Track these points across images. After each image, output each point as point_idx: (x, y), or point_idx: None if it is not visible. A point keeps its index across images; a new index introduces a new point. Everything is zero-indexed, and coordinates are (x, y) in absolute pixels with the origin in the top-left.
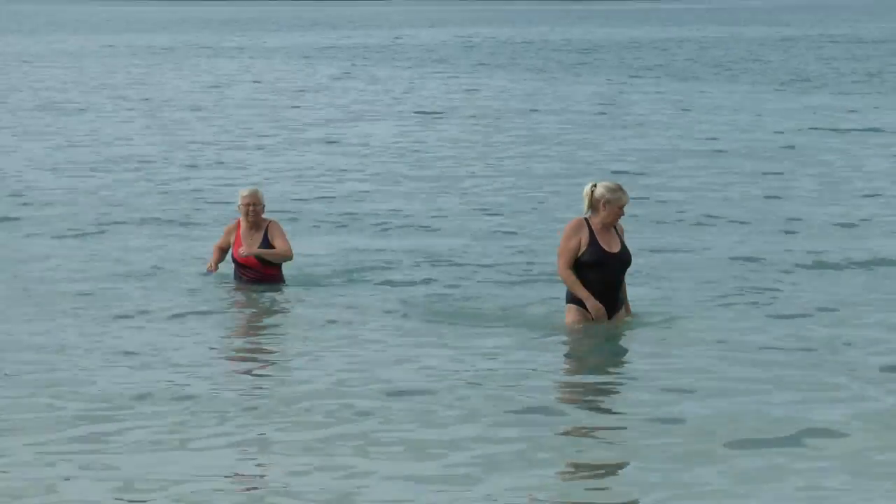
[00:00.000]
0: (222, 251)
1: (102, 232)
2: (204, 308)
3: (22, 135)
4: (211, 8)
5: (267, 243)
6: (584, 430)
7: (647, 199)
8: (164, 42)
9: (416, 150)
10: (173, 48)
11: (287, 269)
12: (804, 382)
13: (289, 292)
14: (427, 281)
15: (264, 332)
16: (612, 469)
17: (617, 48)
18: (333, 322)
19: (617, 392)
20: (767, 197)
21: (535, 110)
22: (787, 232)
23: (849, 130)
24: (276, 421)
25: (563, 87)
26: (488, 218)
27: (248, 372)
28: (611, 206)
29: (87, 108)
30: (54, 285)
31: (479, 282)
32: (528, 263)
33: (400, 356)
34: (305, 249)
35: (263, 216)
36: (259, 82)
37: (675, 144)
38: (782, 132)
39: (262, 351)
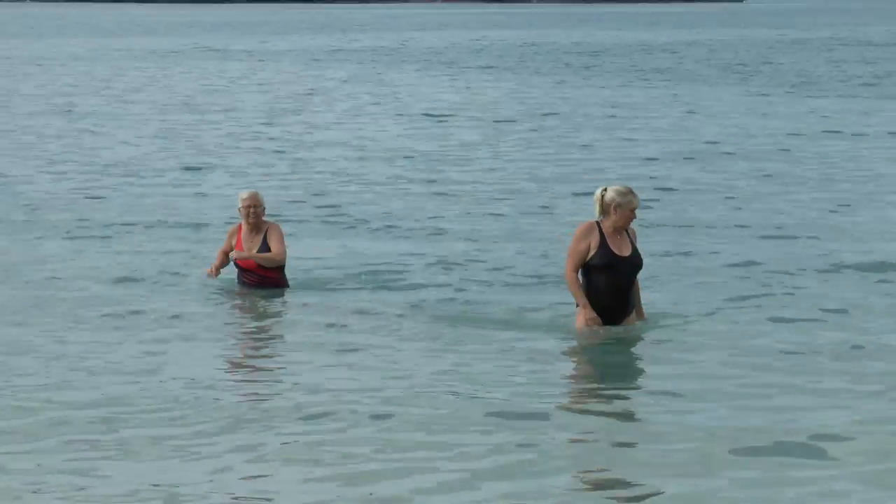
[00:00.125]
0: (226, 255)
1: (107, 236)
2: (206, 313)
3: (29, 138)
4: (219, 12)
5: (266, 246)
6: (592, 437)
7: (658, 201)
8: (171, 45)
9: (423, 153)
10: (181, 51)
11: (292, 272)
12: (814, 388)
13: (292, 296)
14: (434, 285)
15: (267, 337)
16: (620, 476)
17: (626, 51)
18: (338, 327)
19: (625, 398)
20: (776, 201)
21: (544, 113)
22: (795, 236)
23: (858, 134)
24: (278, 426)
25: (572, 90)
26: (496, 221)
27: (249, 378)
28: (621, 210)
29: (94, 112)
30: (57, 289)
31: (486, 286)
32: (538, 267)
33: (405, 361)
34: (311, 253)
35: (264, 218)
36: (267, 85)
37: (684, 148)
38: (791, 135)
39: (263, 357)
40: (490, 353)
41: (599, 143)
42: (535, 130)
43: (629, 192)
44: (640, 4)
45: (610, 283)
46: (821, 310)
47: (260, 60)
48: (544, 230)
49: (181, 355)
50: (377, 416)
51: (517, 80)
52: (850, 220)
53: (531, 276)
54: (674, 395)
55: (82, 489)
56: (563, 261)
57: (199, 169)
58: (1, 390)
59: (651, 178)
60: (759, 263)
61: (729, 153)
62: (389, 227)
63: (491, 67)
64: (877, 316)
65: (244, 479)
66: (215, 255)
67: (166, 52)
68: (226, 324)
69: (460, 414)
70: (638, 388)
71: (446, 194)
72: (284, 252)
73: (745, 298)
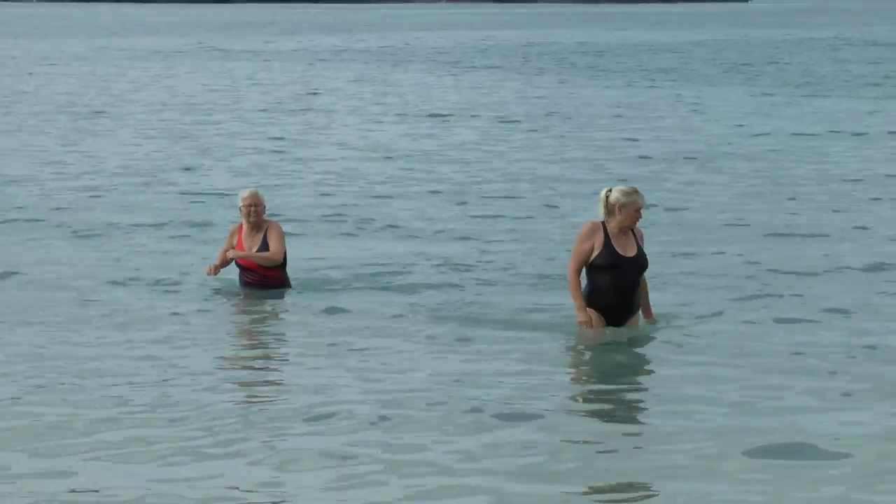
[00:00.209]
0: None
1: (109, 236)
2: (207, 314)
3: (31, 137)
4: (223, 11)
5: (266, 245)
6: (595, 438)
7: (662, 201)
8: (175, 45)
9: (427, 153)
10: (185, 51)
11: (294, 272)
12: (820, 390)
13: (294, 297)
14: (437, 285)
15: (268, 338)
16: (623, 478)
17: (631, 51)
18: (340, 327)
19: (628, 399)
20: (782, 201)
21: (549, 113)
22: (800, 237)
23: (863, 134)
24: (280, 428)
25: (577, 90)
26: (500, 221)
27: (250, 380)
28: (626, 210)
29: (99, 112)
30: (58, 289)
31: (490, 286)
32: (542, 268)
33: (407, 362)
34: (314, 253)
35: (265, 217)
36: (271, 85)
37: (689, 148)
38: (797, 135)
39: (265, 358)
40: (493, 353)
41: (604, 142)
42: (539, 130)
43: (634, 192)
44: (644, 5)
45: (614, 283)
46: (827, 311)
47: (265, 60)
48: (548, 230)
49: (182, 356)
50: (379, 418)
51: (521, 80)
52: (856, 221)
53: (535, 277)
54: (677, 396)
55: (82, 491)
56: (567, 261)
57: (203, 169)
58: (6, 390)
59: (655, 178)
60: (764, 264)
61: (733, 153)
62: (392, 227)
63: (495, 67)
64: (884, 317)
65: (246, 480)
66: (217, 256)
67: (170, 51)
68: (227, 325)
69: (464, 416)
70: (641, 389)
71: (450, 194)
72: (282, 251)
73: (750, 299)
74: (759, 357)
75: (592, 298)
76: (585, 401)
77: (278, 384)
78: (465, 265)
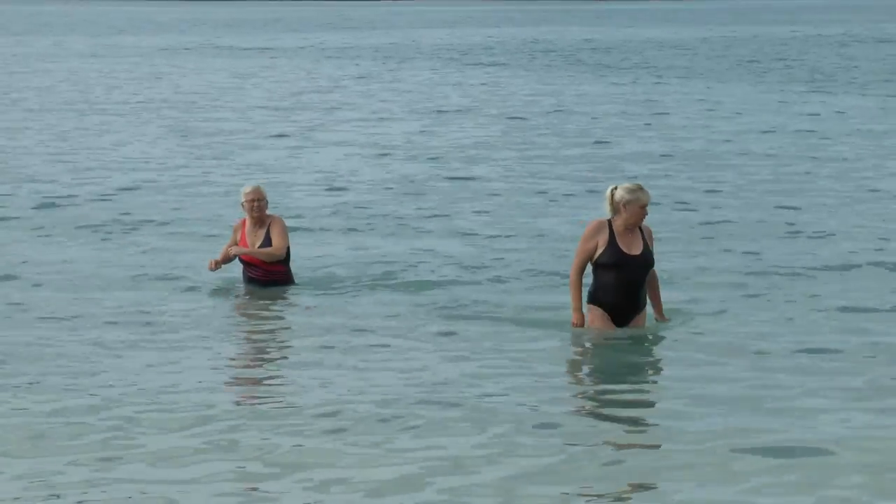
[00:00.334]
0: None
1: (112, 232)
2: (212, 312)
3: (38, 135)
4: (230, 9)
5: (269, 240)
6: (599, 439)
7: (669, 198)
8: (181, 42)
9: (434, 150)
10: (191, 48)
11: (299, 270)
12: (829, 390)
13: (299, 295)
14: (443, 283)
15: (273, 337)
16: (626, 478)
17: (639, 47)
18: (344, 325)
19: (632, 399)
20: (790, 199)
21: (557, 110)
22: (809, 235)
23: (872, 131)
24: (285, 427)
25: (584, 87)
26: (508, 219)
27: (256, 379)
28: (631, 207)
29: (103, 110)
30: (64, 289)
31: (497, 284)
32: (549, 266)
33: (412, 361)
34: (318, 251)
35: (268, 212)
36: (278, 82)
37: (698, 146)
38: (805, 133)
39: (270, 357)
40: (500, 352)
41: (612, 140)
42: (546, 127)
43: (639, 189)
44: (652, 2)
45: (619, 281)
46: (835, 310)
47: (272, 57)
48: (554, 229)
49: (186, 355)
50: (382, 417)
51: (529, 77)
52: (864, 219)
53: (542, 275)
54: (682, 395)
55: (89, 490)
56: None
57: (207, 166)
58: (7, 391)
59: (663, 175)
60: (772, 262)
61: (742, 151)
62: (399, 224)
63: (502, 65)
64: (893, 317)
65: (251, 479)
66: (220, 252)
67: (177, 48)
68: (230, 322)
69: (469, 416)
70: (644, 388)
71: (457, 191)
72: (285, 246)
73: (757, 298)
74: (763, 356)
75: (598, 296)
76: (589, 400)
77: (281, 382)
78: (471, 264)
